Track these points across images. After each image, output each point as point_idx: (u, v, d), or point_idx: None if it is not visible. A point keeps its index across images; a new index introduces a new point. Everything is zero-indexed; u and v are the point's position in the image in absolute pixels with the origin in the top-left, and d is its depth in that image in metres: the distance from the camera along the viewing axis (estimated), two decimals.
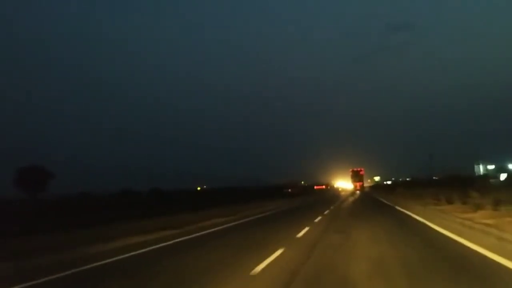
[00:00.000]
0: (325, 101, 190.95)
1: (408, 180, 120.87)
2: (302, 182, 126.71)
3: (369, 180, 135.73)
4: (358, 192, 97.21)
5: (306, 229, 14.48)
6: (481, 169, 68.36)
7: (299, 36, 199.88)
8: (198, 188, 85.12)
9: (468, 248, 8.81)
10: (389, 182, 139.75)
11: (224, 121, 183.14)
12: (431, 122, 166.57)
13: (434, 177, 74.15)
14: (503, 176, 49.41)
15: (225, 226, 18.07)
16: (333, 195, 77.61)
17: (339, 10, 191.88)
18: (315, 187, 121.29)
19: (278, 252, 9.39)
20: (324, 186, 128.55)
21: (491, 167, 69.55)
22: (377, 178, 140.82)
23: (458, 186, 31.11)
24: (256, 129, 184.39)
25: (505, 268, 6.72)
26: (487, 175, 57.09)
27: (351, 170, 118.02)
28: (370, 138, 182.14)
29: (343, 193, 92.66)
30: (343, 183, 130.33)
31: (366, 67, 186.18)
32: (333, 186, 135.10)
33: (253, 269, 7.47)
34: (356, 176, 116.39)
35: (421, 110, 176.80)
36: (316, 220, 18.62)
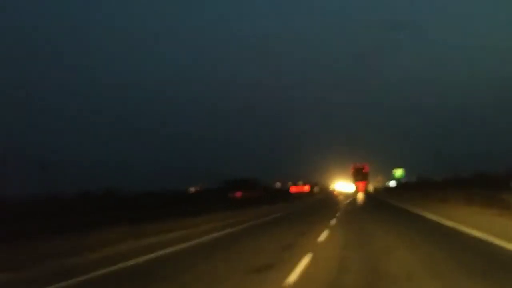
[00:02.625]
0: (325, 100, 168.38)
1: (414, 182, 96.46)
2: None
3: (379, 177, 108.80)
4: (360, 196, 73.31)
5: None
6: None
7: (296, 34, 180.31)
8: (193, 189, 71.33)
9: None
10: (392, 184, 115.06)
11: (220, 119, 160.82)
12: (432, 121, 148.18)
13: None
14: None
15: None
16: (319, 205, 39.13)
17: (337, 9, 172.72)
18: (292, 188, 76.75)
19: None
20: (305, 187, 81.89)
21: None
22: (399, 172, 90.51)
23: None
24: (254, 128, 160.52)
25: None
26: None
27: (352, 166, 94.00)
28: (370, 137, 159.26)
29: (339, 197, 66.92)
30: (343, 185, 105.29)
31: (365, 66, 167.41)
32: (327, 188, 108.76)
33: None
34: (359, 174, 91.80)
35: (422, 109, 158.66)
36: None
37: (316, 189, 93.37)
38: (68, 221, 21.49)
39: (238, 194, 50.37)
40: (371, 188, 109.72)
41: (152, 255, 10.38)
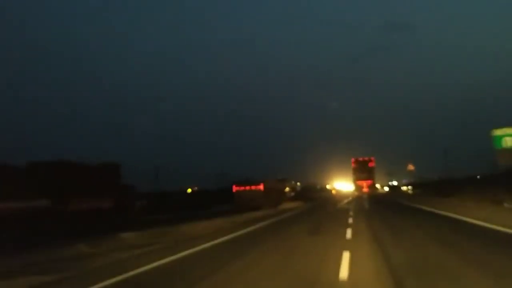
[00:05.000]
0: (323, 100, 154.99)
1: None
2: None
3: (411, 166, 65.06)
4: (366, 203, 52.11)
5: None
6: None
7: (296, 34, 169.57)
8: (189, 190, 60.21)
9: None
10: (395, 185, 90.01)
11: (215, 116, 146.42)
12: (432, 121, 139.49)
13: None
14: None
15: None
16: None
17: (337, 9, 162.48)
18: (236, 188, 39.60)
19: None
20: (259, 187, 38.26)
21: None
22: None
23: None
24: (251, 126, 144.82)
25: None
26: None
27: (353, 160, 73.00)
28: (370, 137, 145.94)
29: (335, 199, 45.15)
30: (344, 185, 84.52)
31: (364, 66, 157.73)
32: (322, 187, 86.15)
33: None
34: (362, 170, 71.02)
35: (421, 108, 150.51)
36: None
37: (288, 189, 52.64)
38: None
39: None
40: (383, 188, 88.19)
41: None
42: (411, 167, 61.12)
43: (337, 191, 78.96)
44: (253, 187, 37.07)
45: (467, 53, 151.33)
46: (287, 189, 49.56)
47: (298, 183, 79.42)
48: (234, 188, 37.81)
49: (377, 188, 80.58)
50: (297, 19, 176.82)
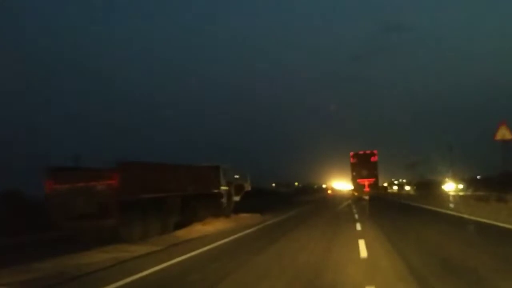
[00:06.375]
0: (322, 99, 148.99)
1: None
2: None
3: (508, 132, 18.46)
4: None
5: None
6: None
7: (295, 34, 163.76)
8: None
9: None
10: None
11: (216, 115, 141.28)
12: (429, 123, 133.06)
13: None
14: None
15: None
16: None
17: (337, 9, 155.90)
18: (52, 185, 12.54)
19: None
20: (111, 181, 10.82)
21: None
22: None
23: None
24: (252, 125, 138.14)
25: None
26: None
27: (352, 154, 60.43)
28: (372, 134, 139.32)
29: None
30: (342, 184, 72.50)
31: (363, 67, 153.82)
32: (321, 189, 74.08)
33: None
34: (363, 166, 58.33)
35: (420, 110, 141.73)
36: None
37: (226, 189, 21.11)
38: None
39: None
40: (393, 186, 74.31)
41: None
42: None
43: (334, 191, 66.94)
44: (91, 183, 12.31)
45: (468, 53, 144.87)
46: (222, 187, 20.47)
47: (280, 183, 65.99)
48: (49, 186, 12.73)
49: (383, 187, 67.72)
50: (297, 18, 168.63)
